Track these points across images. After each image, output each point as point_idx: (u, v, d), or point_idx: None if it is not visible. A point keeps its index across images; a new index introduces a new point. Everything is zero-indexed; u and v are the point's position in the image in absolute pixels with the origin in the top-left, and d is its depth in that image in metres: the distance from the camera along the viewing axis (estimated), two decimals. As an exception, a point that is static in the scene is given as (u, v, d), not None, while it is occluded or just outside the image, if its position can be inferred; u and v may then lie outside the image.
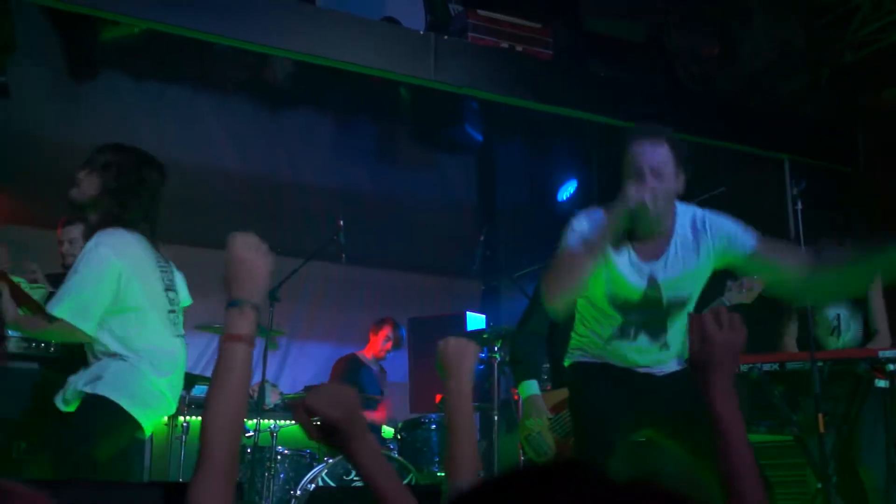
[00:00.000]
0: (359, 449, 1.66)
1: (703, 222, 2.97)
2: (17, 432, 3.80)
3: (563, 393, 4.08)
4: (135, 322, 3.30)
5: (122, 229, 3.34)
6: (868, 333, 4.53)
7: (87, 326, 3.20)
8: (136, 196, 3.40)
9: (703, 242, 2.95)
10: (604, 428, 2.98)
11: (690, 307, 3.03)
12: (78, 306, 3.20)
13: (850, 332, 4.54)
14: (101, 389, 3.20)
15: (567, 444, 4.13)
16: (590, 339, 3.12)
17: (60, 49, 6.40)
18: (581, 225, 2.91)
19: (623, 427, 3.05)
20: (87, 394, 3.20)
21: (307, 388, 6.58)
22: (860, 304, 4.54)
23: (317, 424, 1.68)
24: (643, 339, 3.02)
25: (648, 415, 3.06)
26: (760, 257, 2.92)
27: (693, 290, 3.02)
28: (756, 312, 5.01)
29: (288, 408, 5.42)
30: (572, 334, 3.22)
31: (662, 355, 3.06)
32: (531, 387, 4.30)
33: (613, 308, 3.00)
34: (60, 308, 3.19)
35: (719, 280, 4.09)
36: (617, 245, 2.93)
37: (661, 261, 2.95)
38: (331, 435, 1.67)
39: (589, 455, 2.96)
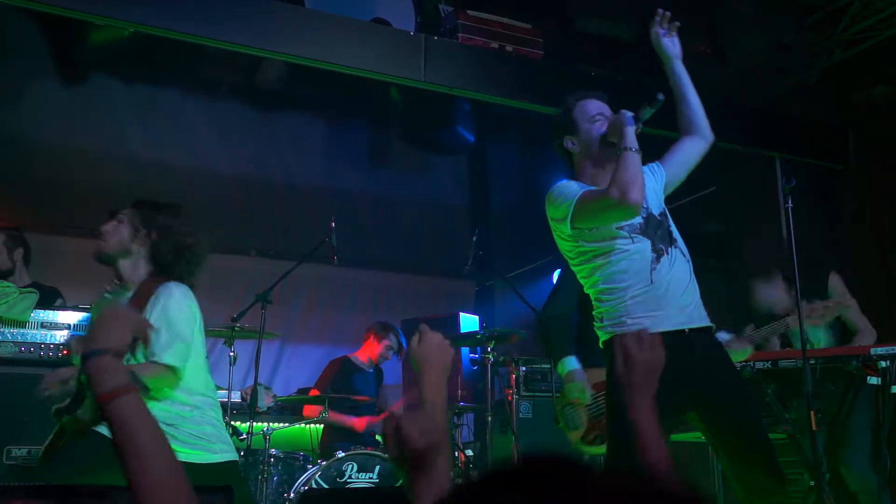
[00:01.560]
0: (423, 484, 1.63)
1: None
2: (17, 436, 3.77)
3: (599, 373, 4.02)
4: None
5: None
6: (847, 332, 4.55)
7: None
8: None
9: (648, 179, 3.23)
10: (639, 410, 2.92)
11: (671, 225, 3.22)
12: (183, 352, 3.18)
13: (821, 343, 4.57)
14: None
15: (599, 425, 4.09)
16: (630, 297, 3.03)
17: (50, 52, 6.38)
18: (574, 185, 3.14)
19: (667, 417, 3.00)
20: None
21: (300, 390, 6.57)
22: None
23: (401, 446, 1.64)
24: (675, 253, 3.11)
25: (690, 395, 2.99)
26: (672, 166, 3.35)
27: (663, 205, 3.25)
28: (743, 308, 5.03)
29: (380, 416, 5.35)
30: (602, 308, 3.14)
31: (691, 283, 3.14)
32: (570, 362, 4.16)
33: (632, 238, 3.07)
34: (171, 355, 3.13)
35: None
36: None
37: None
38: (408, 461, 1.65)
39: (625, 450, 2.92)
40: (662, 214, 3.21)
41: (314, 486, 4.73)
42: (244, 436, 4.88)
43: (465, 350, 6.66)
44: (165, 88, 7.05)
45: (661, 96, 3.11)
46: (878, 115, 6.15)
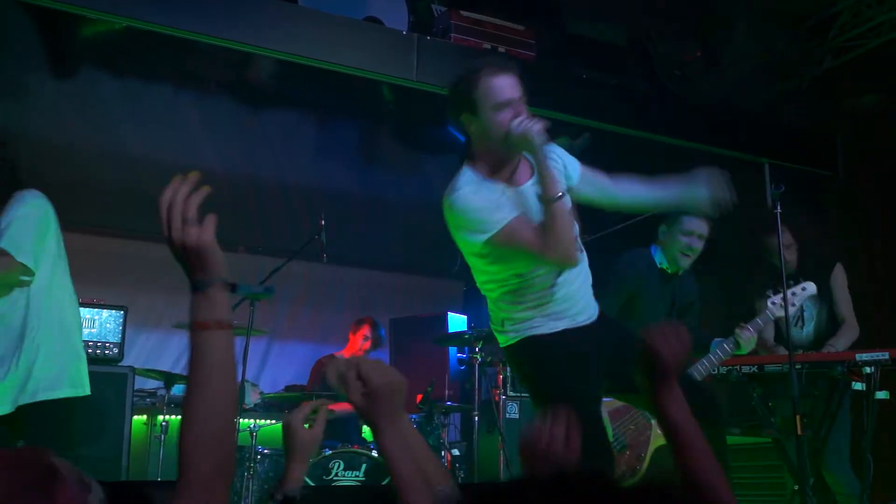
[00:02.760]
0: (388, 430, 1.61)
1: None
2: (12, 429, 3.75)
3: (614, 402, 3.98)
4: None
5: None
6: (835, 322, 4.58)
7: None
8: None
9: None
10: (582, 401, 2.78)
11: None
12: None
13: (813, 321, 4.59)
14: None
15: (624, 458, 4.07)
16: (533, 301, 2.93)
17: (40, 45, 6.35)
18: (483, 197, 2.84)
19: (593, 393, 2.97)
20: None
21: (287, 388, 6.57)
22: (824, 295, 4.58)
23: (361, 391, 1.61)
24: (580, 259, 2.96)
25: (604, 371, 2.98)
26: (587, 181, 3.10)
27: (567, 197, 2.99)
28: (731, 310, 5.05)
29: (334, 378, 5.33)
30: (501, 315, 3.03)
31: (587, 278, 3.04)
32: None
33: None
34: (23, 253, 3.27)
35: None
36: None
37: (533, 177, 2.94)
38: (371, 404, 1.61)
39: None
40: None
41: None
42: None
43: (452, 350, 6.67)
44: (156, 84, 7.02)
45: (587, 134, 3.05)
46: (868, 123, 6.19)
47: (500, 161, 2.92)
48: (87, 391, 3.37)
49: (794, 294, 4.11)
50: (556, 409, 1.83)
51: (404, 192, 8.01)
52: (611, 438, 3.96)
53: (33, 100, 6.50)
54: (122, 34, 5.67)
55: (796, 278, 4.48)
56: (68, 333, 3.43)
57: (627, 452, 4.15)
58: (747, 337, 4.02)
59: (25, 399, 3.22)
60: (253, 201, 7.34)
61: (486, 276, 3.03)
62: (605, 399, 4.09)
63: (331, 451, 4.90)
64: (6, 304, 3.29)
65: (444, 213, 3.00)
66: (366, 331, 6.44)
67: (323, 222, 5.31)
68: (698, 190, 3.07)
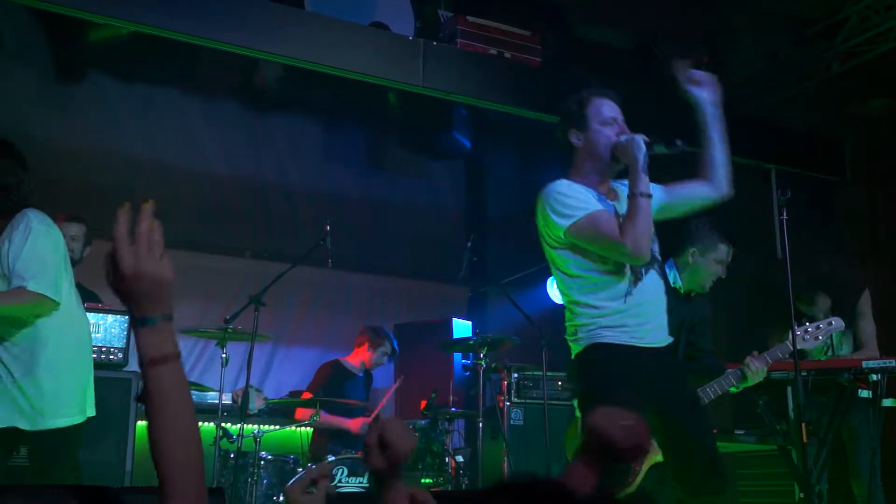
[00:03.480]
0: (396, 485, 1.71)
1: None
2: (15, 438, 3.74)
3: None
4: None
5: None
6: (856, 348, 4.56)
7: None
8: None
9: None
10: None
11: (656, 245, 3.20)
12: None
13: (842, 349, 4.56)
14: None
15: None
16: (605, 308, 3.06)
17: (47, 50, 6.37)
18: (576, 192, 3.10)
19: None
20: None
21: (292, 393, 6.56)
22: (851, 322, 4.55)
23: (382, 450, 1.71)
24: (652, 274, 3.12)
25: (656, 403, 3.04)
26: (673, 198, 3.26)
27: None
28: (745, 320, 5.02)
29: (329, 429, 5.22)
30: (574, 322, 3.15)
31: (664, 296, 3.17)
32: None
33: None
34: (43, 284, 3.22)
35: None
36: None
37: (620, 199, 3.20)
38: (387, 463, 1.71)
39: None
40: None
41: (304, 489, 4.71)
42: (234, 438, 4.86)
43: (457, 355, 6.65)
44: (163, 88, 7.03)
45: (679, 143, 3.13)
46: (874, 128, 6.17)
47: (597, 175, 3.19)
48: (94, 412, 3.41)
49: (818, 328, 4.04)
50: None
51: (410, 198, 8.01)
52: None
53: (39, 103, 6.51)
54: (129, 39, 5.68)
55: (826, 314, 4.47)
56: (84, 353, 3.45)
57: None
58: (756, 368, 3.96)
59: (41, 424, 3.22)
60: (259, 206, 7.35)
61: (565, 272, 3.16)
62: None
63: (334, 458, 4.89)
64: (26, 326, 3.30)
65: (536, 209, 3.21)
66: (386, 347, 6.30)
67: (328, 227, 5.31)
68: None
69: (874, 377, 3.79)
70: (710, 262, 4.17)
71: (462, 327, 7.09)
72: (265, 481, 4.94)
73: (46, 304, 3.25)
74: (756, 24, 6.28)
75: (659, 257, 3.23)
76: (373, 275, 7.85)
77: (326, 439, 5.82)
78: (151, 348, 1.49)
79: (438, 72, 5.19)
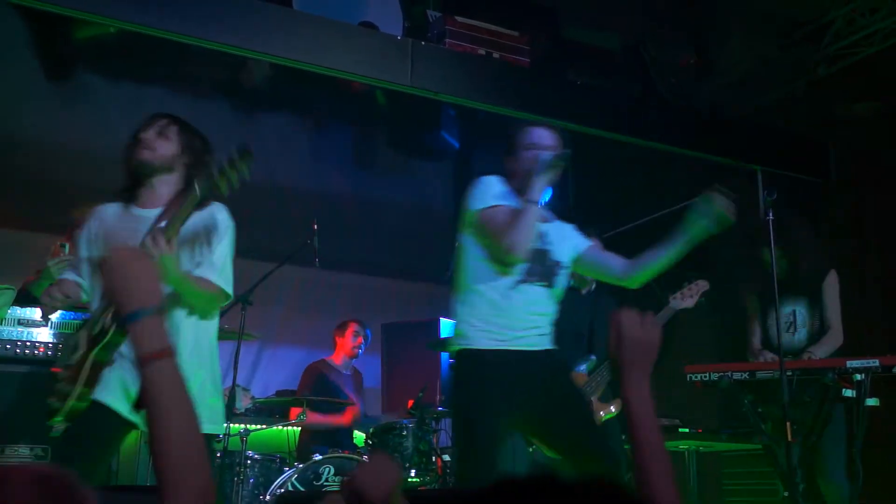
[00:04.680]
0: None
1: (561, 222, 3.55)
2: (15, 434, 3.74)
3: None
4: None
5: None
6: (823, 329, 4.59)
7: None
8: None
9: (564, 230, 3.52)
10: (486, 437, 3.17)
11: (564, 281, 3.43)
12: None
13: (805, 327, 4.59)
14: None
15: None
16: (483, 301, 3.27)
17: (34, 48, 6.34)
18: (497, 186, 3.37)
19: (501, 431, 3.26)
20: None
21: (279, 392, 6.55)
22: (816, 301, 4.59)
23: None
24: (540, 287, 3.32)
25: (523, 406, 3.22)
26: (588, 257, 3.49)
27: (564, 258, 3.42)
28: (723, 317, 5.06)
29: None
30: (458, 322, 3.37)
31: (550, 310, 3.36)
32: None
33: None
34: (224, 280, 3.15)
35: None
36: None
37: (547, 225, 3.42)
38: None
39: (471, 458, 3.19)
40: (556, 264, 3.38)
41: (290, 488, 4.72)
42: (221, 437, 4.85)
43: (444, 355, 6.66)
44: (150, 87, 7.01)
45: (566, 152, 3.37)
46: (860, 130, 6.20)
47: (522, 191, 3.34)
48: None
49: (691, 288, 4.44)
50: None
51: (398, 197, 8.02)
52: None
53: (26, 101, 6.49)
54: (117, 37, 5.67)
55: (787, 284, 4.50)
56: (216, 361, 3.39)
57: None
58: None
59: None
60: (246, 205, 7.28)
61: (467, 257, 3.38)
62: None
63: (321, 457, 4.89)
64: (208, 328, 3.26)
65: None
66: (354, 327, 6.42)
67: (316, 226, 5.31)
68: (703, 219, 3.22)
69: (858, 377, 3.81)
70: None
71: (450, 326, 7.09)
72: (251, 480, 4.94)
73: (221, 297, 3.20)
74: (744, 26, 6.31)
75: (558, 287, 3.40)
76: (360, 274, 7.85)
77: (313, 439, 5.82)
78: (146, 343, 1.48)
79: (427, 72, 5.19)
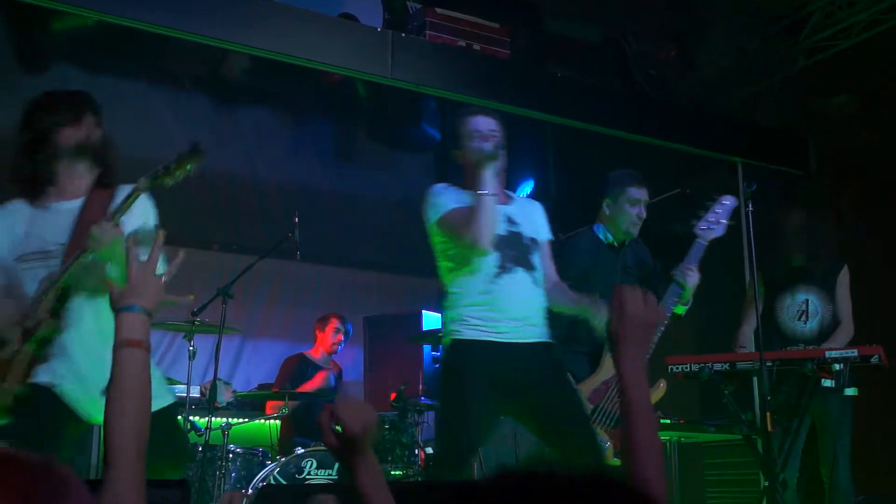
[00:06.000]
0: (363, 464, 1.73)
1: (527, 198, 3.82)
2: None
3: (596, 378, 4.05)
4: None
5: None
6: (834, 321, 4.63)
7: None
8: None
9: (531, 207, 3.68)
10: (468, 427, 3.26)
11: (538, 258, 3.50)
12: None
13: (818, 316, 4.61)
14: None
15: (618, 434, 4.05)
16: (469, 299, 3.36)
17: (8, 39, 6.27)
18: (445, 192, 3.50)
19: (485, 420, 3.34)
20: None
21: (261, 386, 6.54)
22: (829, 292, 4.63)
23: (335, 431, 1.74)
24: (520, 272, 3.39)
25: (511, 394, 3.30)
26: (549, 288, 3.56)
27: (537, 234, 3.54)
28: (704, 309, 5.07)
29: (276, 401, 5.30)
30: (445, 312, 3.47)
31: (537, 296, 3.44)
32: None
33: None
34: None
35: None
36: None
37: (513, 202, 3.60)
38: (345, 444, 1.73)
39: (451, 449, 3.29)
40: (530, 241, 3.48)
41: (272, 482, 4.70)
42: (202, 431, 4.83)
43: (427, 348, 6.66)
44: (129, 80, 6.96)
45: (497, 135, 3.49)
46: (839, 123, 6.25)
47: (474, 182, 3.40)
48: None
49: (716, 212, 4.08)
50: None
51: (379, 190, 8.00)
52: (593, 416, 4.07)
53: (4, 95, 6.41)
54: (94, 29, 5.61)
55: (804, 272, 4.58)
56: None
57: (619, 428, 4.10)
58: (692, 278, 3.97)
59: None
60: (227, 198, 7.30)
61: (443, 258, 3.50)
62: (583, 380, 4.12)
63: (303, 450, 4.88)
64: None
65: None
66: (336, 323, 6.41)
67: (297, 220, 5.29)
68: (597, 314, 3.35)
69: (837, 367, 3.84)
70: (624, 207, 4.26)
71: (432, 319, 7.09)
72: (233, 474, 4.92)
73: None
74: (724, 20, 6.33)
75: (536, 266, 3.48)
76: (342, 267, 7.83)
77: (295, 432, 5.81)
78: (129, 330, 1.73)
79: (407, 64, 5.18)
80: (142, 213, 3.06)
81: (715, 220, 4.04)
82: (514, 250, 3.41)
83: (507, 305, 3.34)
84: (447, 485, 2.94)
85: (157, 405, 3.02)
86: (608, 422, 3.98)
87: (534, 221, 3.57)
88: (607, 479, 0.96)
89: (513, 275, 3.38)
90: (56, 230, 2.97)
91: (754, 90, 6.70)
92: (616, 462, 3.91)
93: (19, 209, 3.08)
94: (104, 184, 3.06)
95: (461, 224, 3.32)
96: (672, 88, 6.61)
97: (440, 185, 3.54)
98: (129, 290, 1.80)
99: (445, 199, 3.46)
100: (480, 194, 3.30)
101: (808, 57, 6.45)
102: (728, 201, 4.10)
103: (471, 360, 3.30)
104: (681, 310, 4.04)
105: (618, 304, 1.77)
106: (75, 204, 3.02)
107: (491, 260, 3.36)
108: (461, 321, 3.36)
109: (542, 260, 3.55)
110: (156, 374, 3.11)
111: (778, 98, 6.61)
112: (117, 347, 1.72)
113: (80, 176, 3.09)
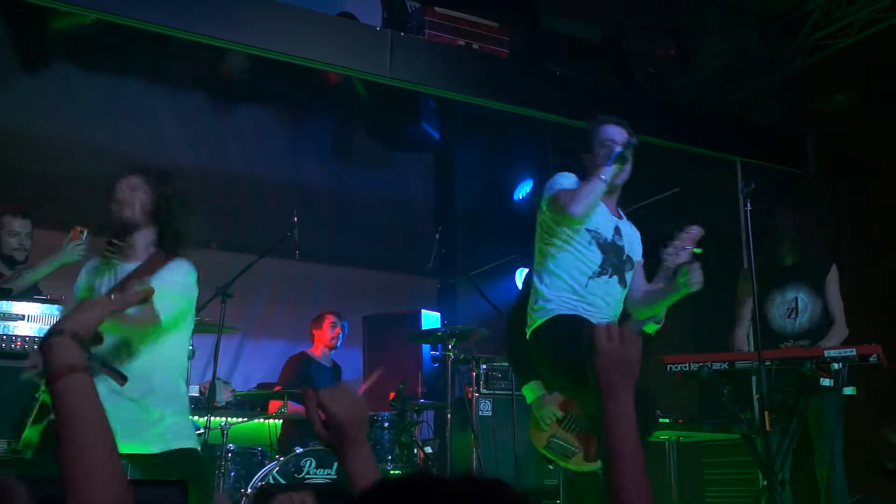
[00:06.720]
0: (354, 454, 1.68)
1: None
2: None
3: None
4: None
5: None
6: (829, 317, 4.64)
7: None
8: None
9: (633, 230, 3.77)
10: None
11: (630, 277, 3.63)
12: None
13: (807, 313, 4.62)
14: None
15: (590, 438, 4.03)
16: (566, 287, 3.48)
17: (8, 38, 6.27)
18: (570, 177, 3.58)
19: None
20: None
21: (260, 385, 6.53)
22: (819, 290, 4.64)
23: (324, 420, 1.69)
24: (615, 281, 3.54)
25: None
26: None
27: (635, 256, 3.68)
28: (706, 302, 5.08)
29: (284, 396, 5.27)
30: (538, 294, 3.53)
31: (619, 309, 3.58)
32: (536, 387, 4.14)
33: (593, 242, 3.51)
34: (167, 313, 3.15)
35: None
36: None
37: (622, 220, 3.70)
38: (334, 434, 1.69)
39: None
40: (628, 258, 3.61)
41: (272, 481, 4.70)
42: (202, 430, 4.83)
43: (426, 347, 6.66)
44: (128, 78, 6.96)
45: (633, 141, 3.59)
46: (837, 121, 6.24)
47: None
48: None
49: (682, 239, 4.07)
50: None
51: (378, 189, 8.00)
52: (561, 417, 4.06)
53: (3, 94, 6.42)
54: (93, 28, 5.61)
55: (794, 271, 4.62)
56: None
57: (590, 434, 4.07)
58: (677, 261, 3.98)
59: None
60: (225, 197, 7.29)
61: (544, 235, 3.60)
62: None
63: (302, 450, 4.88)
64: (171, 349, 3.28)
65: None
66: (332, 318, 6.39)
67: (296, 219, 5.28)
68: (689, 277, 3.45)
69: (835, 366, 3.84)
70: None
71: (431, 319, 7.09)
72: (233, 474, 4.92)
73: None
74: (722, 18, 6.33)
75: (628, 280, 3.62)
76: (341, 266, 7.82)
77: (295, 431, 5.81)
78: (61, 357, 1.49)
79: (406, 63, 5.17)
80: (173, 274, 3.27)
81: (681, 247, 4.07)
82: (617, 259, 3.56)
83: (600, 303, 3.49)
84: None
85: (183, 444, 3.20)
86: (577, 427, 3.98)
87: (633, 242, 3.70)
88: (485, 482, 0.97)
89: (611, 280, 3.53)
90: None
91: (753, 89, 6.70)
92: (586, 467, 3.93)
93: (94, 264, 3.44)
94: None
95: (567, 197, 3.45)
96: (671, 87, 6.61)
97: (564, 172, 3.66)
98: (63, 318, 1.67)
99: (563, 180, 3.58)
100: (596, 178, 3.46)
101: (806, 55, 6.45)
102: (693, 230, 4.14)
103: (578, 322, 3.39)
104: (652, 328, 4.01)
105: (596, 343, 1.70)
106: (130, 267, 3.26)
107: (594, 258, 3.50)
108: (561, 303, 3.47)
109: (634, 279, 3.68)
110: (187, 420, 3.33)
111: (777, 97, 6.61)
112: (50, 380, 1.48)
113: (141, 239, 3.35)
